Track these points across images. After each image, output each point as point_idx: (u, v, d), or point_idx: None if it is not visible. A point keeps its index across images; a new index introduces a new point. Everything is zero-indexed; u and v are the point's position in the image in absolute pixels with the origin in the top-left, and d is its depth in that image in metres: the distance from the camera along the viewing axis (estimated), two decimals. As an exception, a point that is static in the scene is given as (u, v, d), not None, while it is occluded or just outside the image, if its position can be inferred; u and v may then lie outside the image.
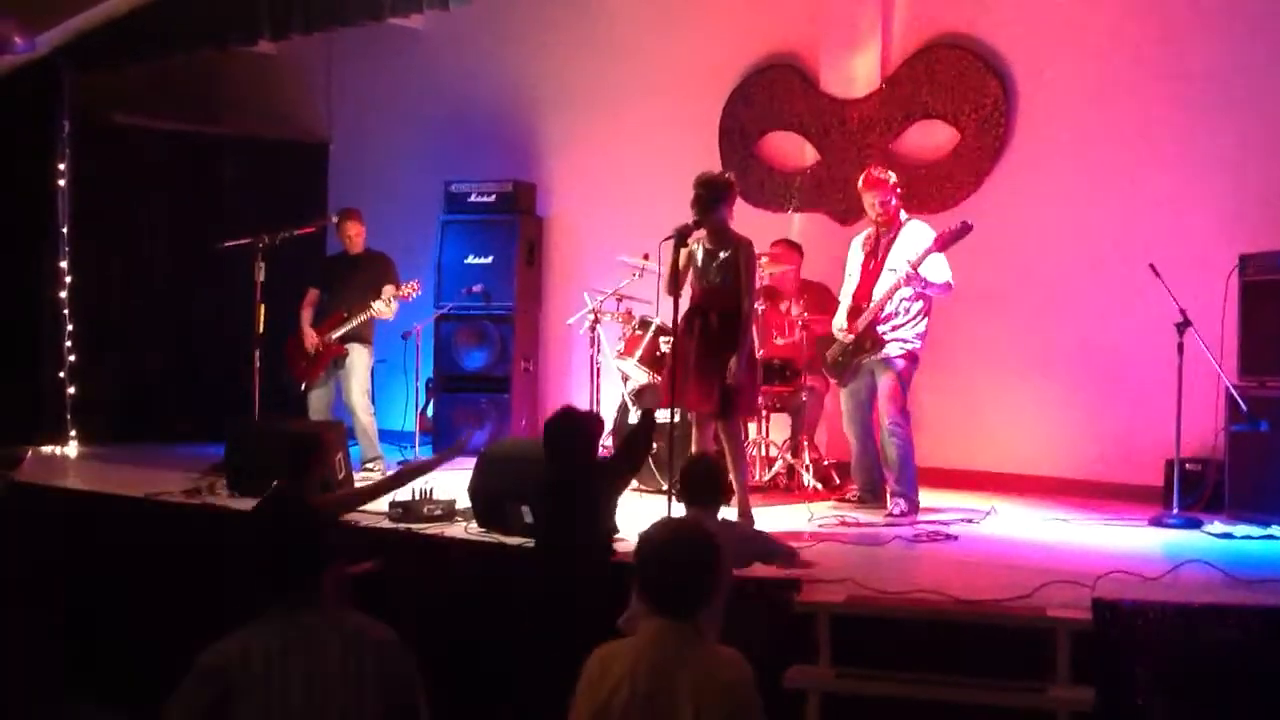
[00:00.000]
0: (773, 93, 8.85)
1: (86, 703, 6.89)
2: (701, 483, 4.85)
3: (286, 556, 3.31)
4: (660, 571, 3.25)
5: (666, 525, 3.57)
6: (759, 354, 7.04)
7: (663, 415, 6.59)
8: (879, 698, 4.53)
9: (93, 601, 7.00)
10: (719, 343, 6.22)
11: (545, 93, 9.83)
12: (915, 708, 4.51)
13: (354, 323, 8.33)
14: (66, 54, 9.38)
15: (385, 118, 10.52)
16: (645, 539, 3.35)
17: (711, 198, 6.23)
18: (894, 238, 6.90)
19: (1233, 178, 7.31)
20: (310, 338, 8.34)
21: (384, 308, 8.32)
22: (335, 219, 8.73)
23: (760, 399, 7.17)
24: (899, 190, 7.00)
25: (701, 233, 6.29)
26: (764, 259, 7.46)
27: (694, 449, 6.44)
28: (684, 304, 6.36)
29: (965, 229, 6.64)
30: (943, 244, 6.69)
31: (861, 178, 7.04)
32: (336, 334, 8.33)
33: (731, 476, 6.22)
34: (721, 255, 6.30)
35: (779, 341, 7.72)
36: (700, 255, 6.34)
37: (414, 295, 8.46)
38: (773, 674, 4.56)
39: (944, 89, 8.24)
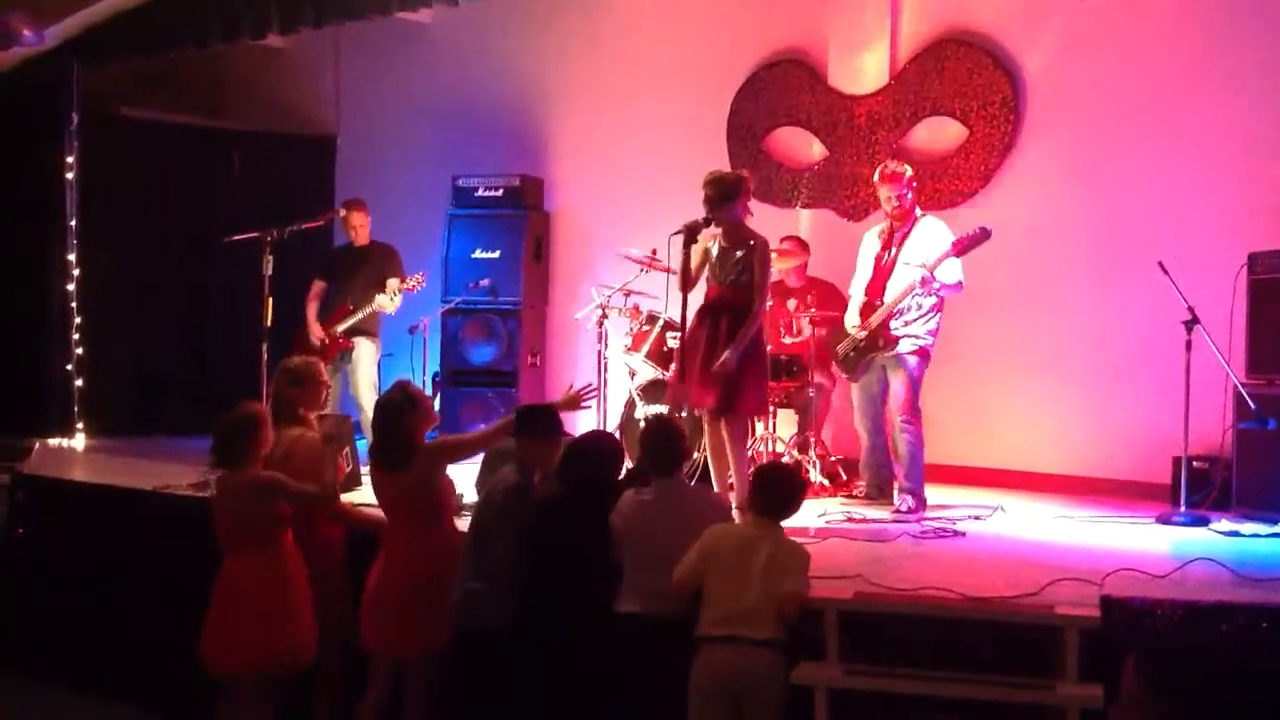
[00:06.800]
0: (781, 88, 8.84)
1: (91, 697, 6.89)
2: (660, 447, 4.97)
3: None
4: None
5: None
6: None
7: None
8: (887, 694, 4.53)
9: (99, 594, 7.00)
10: (729, 341, 6.18)
11: (553, 87, 9.82)
12: (923, 704, 4.51)
13: (359, 315, 8.33)
14: (75, 47, 9.37)
15: (393, 112, 10.51)
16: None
17: (720, 196, 6.19)
18: (908, 232, 6.89)
19: (1242, 176, 7.30)
20: (316, 331, 8.36)
21: (388, 301, 8.33)
22: (342, 210, 8.73)
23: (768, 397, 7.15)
24: (914, 184, 6.99)
25: (718, 230, 6.27)
26: (773, 254, 7.44)
27: (707, 447, 6.47)
28: (698, 301, 6.37)
29: (984, 235, 6.62)
30: (961, 250, 6.67)
31: (878, 170, 7.04)
32: (342, 327, 8.33)
33: (733, 474, 6.25)
34: (737, 254, 6.28)
35: (786, 340, 7.72)
36: (715, 253, 6.32)
37: (418, 288, 8.46)
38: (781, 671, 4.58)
39: (953, 85, 8.22)
